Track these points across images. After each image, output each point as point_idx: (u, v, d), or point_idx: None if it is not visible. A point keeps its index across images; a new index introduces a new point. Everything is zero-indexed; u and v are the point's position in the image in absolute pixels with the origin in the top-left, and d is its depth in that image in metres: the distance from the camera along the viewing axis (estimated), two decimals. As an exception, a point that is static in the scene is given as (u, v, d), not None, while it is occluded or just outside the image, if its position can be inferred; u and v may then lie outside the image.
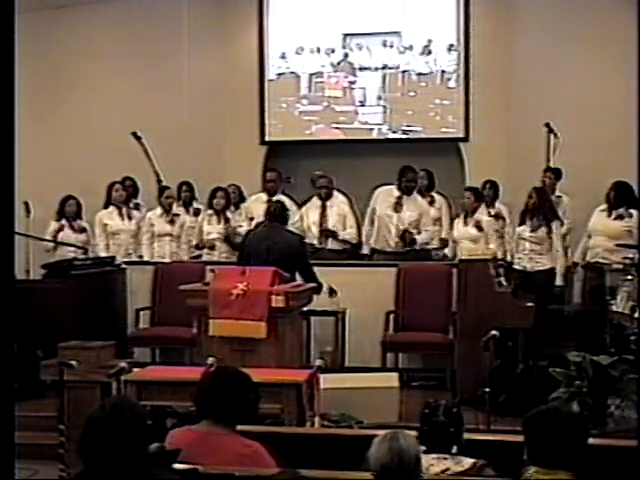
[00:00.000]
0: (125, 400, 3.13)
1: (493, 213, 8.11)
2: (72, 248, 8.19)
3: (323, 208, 8.46)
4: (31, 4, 8.72)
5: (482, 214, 8.04)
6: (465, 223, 7.99)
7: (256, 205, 8.57)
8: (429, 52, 9.44)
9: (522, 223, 7.55)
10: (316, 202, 8.54)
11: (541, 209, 7.43)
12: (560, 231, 7.59)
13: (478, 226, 7.86)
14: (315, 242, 8.35)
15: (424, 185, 8.62)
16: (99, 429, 2.74)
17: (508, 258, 7.71)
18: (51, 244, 8.24)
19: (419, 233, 8.13)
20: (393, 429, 3.12)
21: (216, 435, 3.44)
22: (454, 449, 3.54)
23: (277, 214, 6.86)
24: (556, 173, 8.22)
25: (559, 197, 8.19)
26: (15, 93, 3.73)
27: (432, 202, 8.62)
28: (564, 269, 7.48)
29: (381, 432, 3.12)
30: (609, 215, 7.63)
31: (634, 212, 7.55)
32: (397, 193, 8.14)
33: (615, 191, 7.57)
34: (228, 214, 8.46)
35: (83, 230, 8.45)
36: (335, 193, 8.64)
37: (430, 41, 9.42)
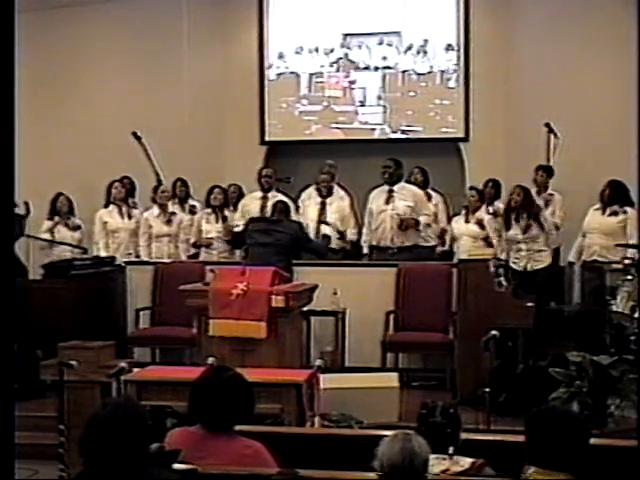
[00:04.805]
0: (127, 400, 3.14)
1: (492, 211, 8.12)
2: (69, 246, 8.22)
3: (322, 205, 8.44)
4: (31, 4, 8.72)
5: (483, 213, 8.08)
6: (467, 220, 8.08)
7: (251, 202, 8.54)
8: (428, 52, 9.44)
9: (509, 226, 7.46)
10: (316, 199, 8.52)
11: (524, 208, 7.41)
12: (552, 220, 7.75)
13: (480, 224, 7.90)
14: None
15: (419, 182, 8.61)
16: (101, 429, 2.74)
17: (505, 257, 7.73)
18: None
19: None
20: (403, 429, 3.12)
21: (216, 436, 3.43)
22: (451, 450, 3.53)
23: (281, 211, 7.46)
24: (548, 171, 8.24)
25: (551, 195, 8.23)
26: (15, 93, 3.73)
27: (429, 199, 8.61)
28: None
29: (381, 432, 3.12)
30: (603, 213, 7.70)
31: (628, 209, 7.63)
32: (387, 188, 8.17)
33: (610, 189, 7.64)
34: (226, 212, 8.47)
35: (78, 227, 8.46)
36: (335, 190, 8.61)
37: (430, 41, 9.42)
